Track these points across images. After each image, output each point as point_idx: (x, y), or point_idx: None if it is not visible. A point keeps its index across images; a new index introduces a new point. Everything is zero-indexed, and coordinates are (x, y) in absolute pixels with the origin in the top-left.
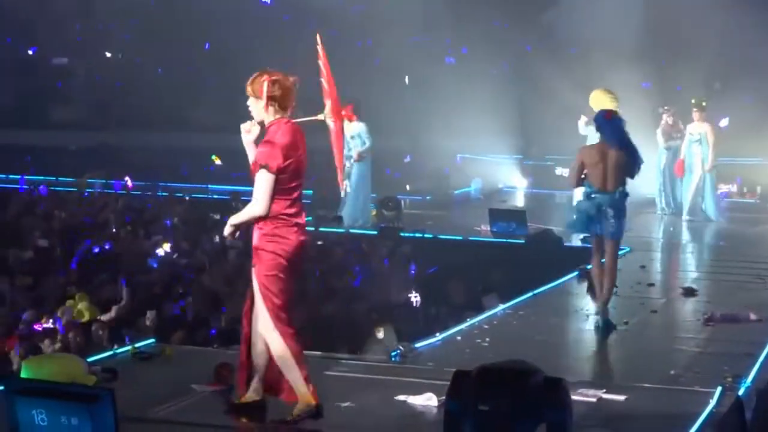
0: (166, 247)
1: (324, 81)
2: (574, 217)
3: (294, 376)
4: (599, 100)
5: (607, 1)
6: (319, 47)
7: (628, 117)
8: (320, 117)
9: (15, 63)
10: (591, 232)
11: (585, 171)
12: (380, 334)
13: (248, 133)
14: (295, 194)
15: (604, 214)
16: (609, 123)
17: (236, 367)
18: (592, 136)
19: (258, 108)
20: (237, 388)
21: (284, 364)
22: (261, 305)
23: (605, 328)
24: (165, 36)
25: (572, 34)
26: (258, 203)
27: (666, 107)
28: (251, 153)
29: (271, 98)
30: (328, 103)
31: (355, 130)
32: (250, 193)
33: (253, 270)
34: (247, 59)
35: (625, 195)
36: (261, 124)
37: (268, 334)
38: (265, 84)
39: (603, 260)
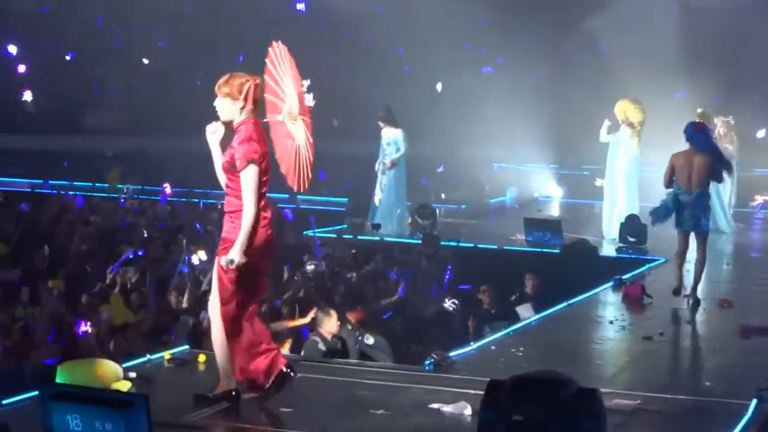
0: (201, 254)
1: (276, 84)
2: (658, 205)
3: (224, 363)
4: (625, 110)
5: (644, 11)
6: (274, 52)
7: (663, 126)
8: (279, 118)
9: (53, 68)
10: (676, 226)
11: (674, 173)
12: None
13: (214, 133)
14: (265, 189)
15: (686, 211)
16: (699, 133)
17: None
18: (615, 143)
19: (232, 109)
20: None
21: (220, 349)
22: (215, 291)
23: (695, 304)
24: (201, 45)
25: (610, 43)
26: (250, 201)
27: (723, 117)
28: (218, 153)
29: (254, 101)
30: (285, 106)
31: (391, 136)
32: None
33: (216, 258)
34: None
35: (704, 195)
36: (227, 123)
37: (215, 320)
38: (249, 87)
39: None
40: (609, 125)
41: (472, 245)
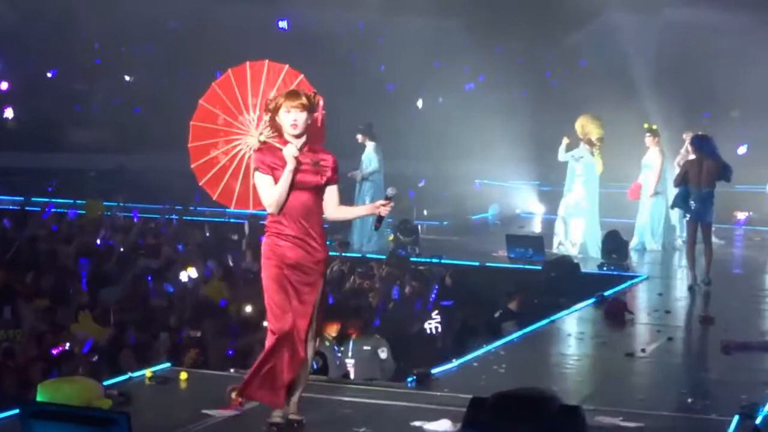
0: (191, 271)
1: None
2: (676, 195)
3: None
4: (583, 125)
5: (624, 28)
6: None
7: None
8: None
9: (34, 85)
10: (684, 217)
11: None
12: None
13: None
14: None
15: (695, 205)
16: (707, 142)
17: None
18: (573, 164)
19: (306, 123)
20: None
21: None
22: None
23: (707, 283)
24: (183, 63)
25: (590, 60)
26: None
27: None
28: (291, 172)
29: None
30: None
31: (366, 151)
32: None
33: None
34: None
35: (711, 194)
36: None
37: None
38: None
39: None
40: (567, 143)
41: (451, 262)
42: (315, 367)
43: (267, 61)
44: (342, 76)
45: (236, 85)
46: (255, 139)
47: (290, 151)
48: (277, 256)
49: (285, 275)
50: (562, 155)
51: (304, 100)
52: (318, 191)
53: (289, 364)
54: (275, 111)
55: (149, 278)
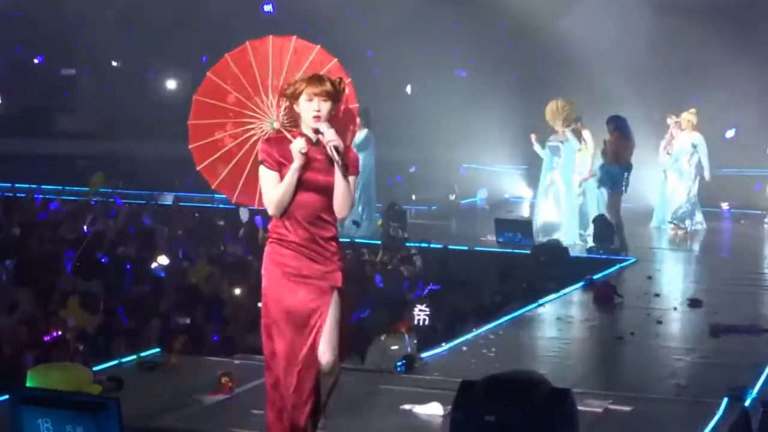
0: (161, 260)
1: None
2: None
3: None
4: (570, 109)
5: (616, 15)
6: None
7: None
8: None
9: (21, 72)
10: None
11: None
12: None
13: (304, 153)
14: None
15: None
16: (624, 121)
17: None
18: (548, 158)
19: (328, 106)
20: None
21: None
22: (334, 335)
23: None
24: (168, 47)
25: (580, 46)
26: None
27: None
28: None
29: None
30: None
31: (357, 137)
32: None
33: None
34: None
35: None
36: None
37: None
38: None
39: None
40: (536, 137)
41: (441, 246)
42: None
43: (295, 38)
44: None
45: (254, 61)
46: (271, 126)
47: (297, 146)
48: (278, 266)
49: (288, 290)
50: (540, 151)
51: (329, 86)
52: (330, 193)
53: (294, 405)
54: (294, 98)
55: (128, 266)
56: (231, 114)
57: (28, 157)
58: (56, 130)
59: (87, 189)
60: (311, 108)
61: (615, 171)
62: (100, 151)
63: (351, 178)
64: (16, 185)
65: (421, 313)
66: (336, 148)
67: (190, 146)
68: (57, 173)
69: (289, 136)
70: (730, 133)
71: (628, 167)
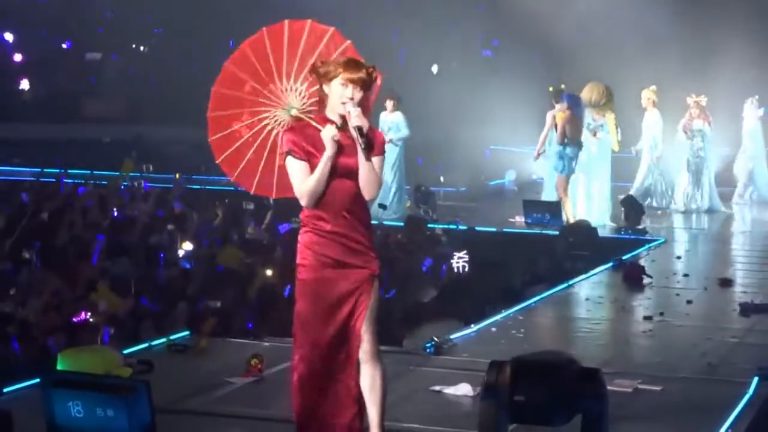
0: (186, 246)
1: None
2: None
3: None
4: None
5: None
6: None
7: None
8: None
9: (49, 57)
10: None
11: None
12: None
13: (335, 138)
14: None
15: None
16: (578, 100)
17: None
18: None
19: (361, 95)
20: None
21: (382, 391)
22: (371, 318)
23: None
24: (195, 31)
25: (605, 26)
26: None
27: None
28: (330, 159)
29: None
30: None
31: (393, 120)
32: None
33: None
34: None
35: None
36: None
37: (377, 356)
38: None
39: None
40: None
41: (466, 228)
42: None
43: (309, 22)
44: (354, 42)
45: (270, 47)
46: (286, 113)
47: (330, 134)
48: (315, 256)
49: (328, 280)
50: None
51: (364, 74)
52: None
53: (323, 397)
54: (326, 78)
55: (160, 253)
56: (247, 104)
57: (56, 142)
58: (83, 115)
59: (116, 174)
60: (344, 93)
61: (565, 153)
62: (127, 135)
63: (376, 159)
64: (45, 170)
65: (459, 261)
66: (359, 129)
67: (209, 139)
68: (85, 158)
69: (314, 123)
70: (759, 112)
71: (579, 146)
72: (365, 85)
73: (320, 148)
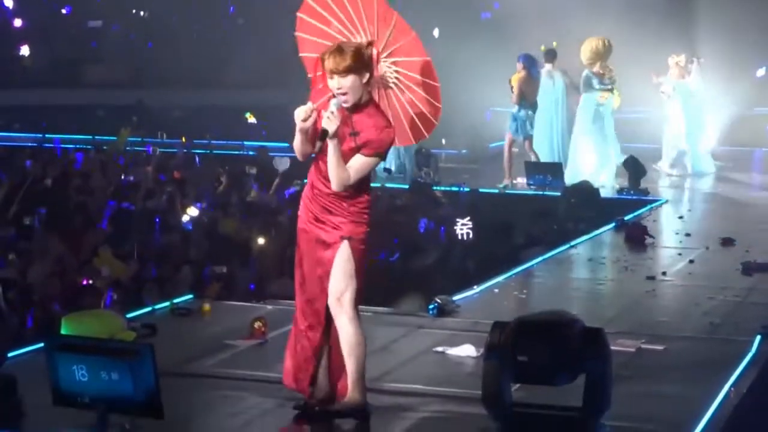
0: (191, 211)
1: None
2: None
3: (359, 369)
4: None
5: None
6: None
7: None
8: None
9: (49, 22)
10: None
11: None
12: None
13: (305, 122)
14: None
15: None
16: (535, 61)
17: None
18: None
19: (359, 86)
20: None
21: (357, 350)
22: (341, 277)
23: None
24: None
25: None
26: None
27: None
28: (303, 138)
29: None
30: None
31: None
32: (280, 150)
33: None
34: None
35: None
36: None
37: (348, 314)
38: (371, 53)
39: None
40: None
41: (469, 190)
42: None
43: None
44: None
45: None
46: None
47: (298, 115)
48: (305, 209)
49: (306, 231)
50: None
51: (348, 61)
52: (347, 159)
53: (297, 345)
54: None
55: (157, 219)
56: (336, 40)
57: (58, 108)
58: (85, 81)
59: (115, 138)
60: (333, 85)
61: (519, 115)
62: (129, 101)
63: (361, 157)
64: (47, 135)
65: (464, 227)
66: (324, 132)
67: (300, 54)
68: (87, 123)
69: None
70: (760, 72)
71: (534, 107)
72: (352, 69)
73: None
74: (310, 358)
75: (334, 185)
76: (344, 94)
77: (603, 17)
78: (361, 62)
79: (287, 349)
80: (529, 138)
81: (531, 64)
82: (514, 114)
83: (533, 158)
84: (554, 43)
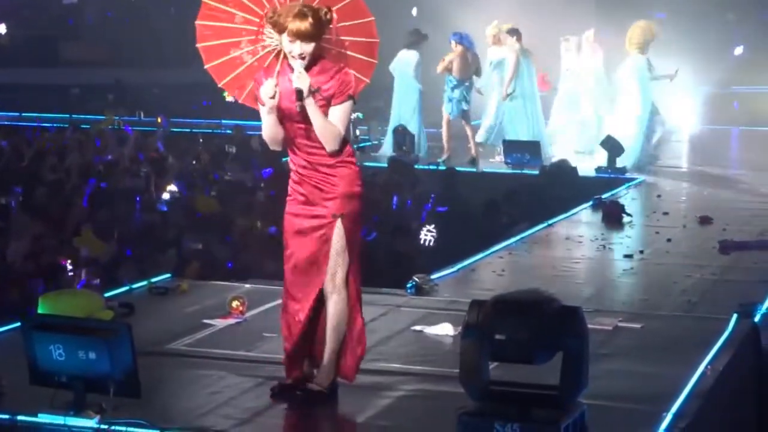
0: (171, 187)
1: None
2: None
3: (336, 349)
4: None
5: None
6: None
7: None
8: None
9: (26, 1)
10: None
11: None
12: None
13: (273, 98)
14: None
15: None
16: (467, 37)
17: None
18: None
19: (311, 46)
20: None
21: (336, 330)
22: (333, 254)
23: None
24: None
25: None
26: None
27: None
28: (274, 119)
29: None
30: None
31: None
32: (258, 128)
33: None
34: None
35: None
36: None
37: (340, 292)
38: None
39: None
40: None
41: (446, 168)
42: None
43: None
44: None
45: None
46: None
47: (266, 93)
48: (294, 192)
49: (297, 216)
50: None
51: (309, 26)
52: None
53: (290, 330)
54: (279, 30)
55: (137, 198)
56: (243, 32)
57: (35, 87)
58: (62, 59)
59: (90, 117)
60: (293, 49)
61: (453, 95)
62: (107, 80)
63: (336, 108)
64: (23, 114)
65: (428, 234)
66: (299, 92)
67: (206, 66)
68: (64, 102)
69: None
70: (738, 50)
71: (468, 87)
72: (313, 36)
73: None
74: (307, 339)
75: (329, 144)
76: (303, 58)
77: None
78: (321, 29)
79: (283, 338)
80: (463, 114)
81: (468, 43)
82: (449, 95)
83: (469, 133)
84: (504, 26)
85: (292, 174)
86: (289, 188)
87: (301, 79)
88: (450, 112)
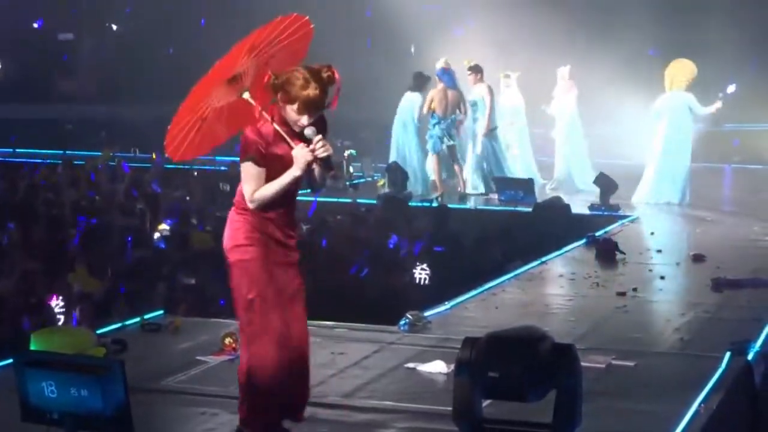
0: (162, 228)
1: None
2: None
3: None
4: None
5: None
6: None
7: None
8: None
9: (20, 36)
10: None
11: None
12: None
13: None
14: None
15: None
16: (447, 73)
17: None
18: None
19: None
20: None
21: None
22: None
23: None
24: (166, 10)
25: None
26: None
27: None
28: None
29: None
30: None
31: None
32: None
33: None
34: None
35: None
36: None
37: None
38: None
39: None
40: None
41: (439, 205)
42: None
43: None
44: (329, 19)
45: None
46: (239, 94)
47: (304, 157)
48: (266, 236)
49: (279, 259)
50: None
51: (323, 101)
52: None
53: (281, 384)
54: (285, 99)
55: (128, 238)
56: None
57: (29, 122)
58: (56, 95)
59: (86, 153)
60: (300, 119)
61: (434, 132)
62: (101, 116)
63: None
64: (17, 150)
65: (422, 273)
66: (326, 160)
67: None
68: (58, 138)
69: (281, 131)
70: (731, 88)
71: (449, 124)
72: (322, 108)
73: (278, 157)
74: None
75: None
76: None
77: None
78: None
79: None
80: (450, 150)
81: (448, 79)
82: (430, 132)
83: (457, 170)
84: (471, 62)
85: (264, 216)
86: (259, 233)
87: (327, 147)
88: (431, 149)
